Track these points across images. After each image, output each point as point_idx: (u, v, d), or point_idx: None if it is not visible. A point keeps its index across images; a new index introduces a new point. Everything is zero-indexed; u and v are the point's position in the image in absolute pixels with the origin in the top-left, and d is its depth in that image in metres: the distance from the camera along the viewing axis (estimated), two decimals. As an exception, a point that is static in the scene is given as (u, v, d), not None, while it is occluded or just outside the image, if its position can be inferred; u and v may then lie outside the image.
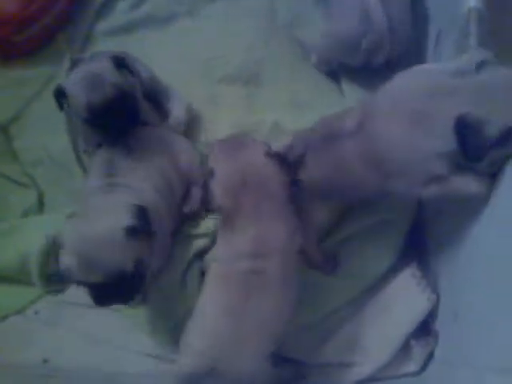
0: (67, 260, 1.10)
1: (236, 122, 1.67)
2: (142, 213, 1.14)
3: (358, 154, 1.23)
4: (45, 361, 1.43)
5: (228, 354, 1.14)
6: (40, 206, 1.66)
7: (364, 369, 1.35)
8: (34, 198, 1.66)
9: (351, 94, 1.71)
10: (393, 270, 1.45)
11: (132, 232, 1.11)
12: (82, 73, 1.34)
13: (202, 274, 1.38)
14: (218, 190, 1.20)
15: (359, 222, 1.46)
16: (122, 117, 1.36)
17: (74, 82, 1.34)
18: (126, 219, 1.12)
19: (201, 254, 1.44)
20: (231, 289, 1.16)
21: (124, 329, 1.45)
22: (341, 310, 1.43)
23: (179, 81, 1.69)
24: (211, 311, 1.19)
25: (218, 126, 1.68)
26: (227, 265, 1.20)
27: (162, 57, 1.78)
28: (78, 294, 1.45)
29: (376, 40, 1.54)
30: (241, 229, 1.18)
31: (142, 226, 1.13)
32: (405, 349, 1.36)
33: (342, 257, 1.46)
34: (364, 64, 1.63)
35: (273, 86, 1.77)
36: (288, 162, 1.25)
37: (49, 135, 1.72)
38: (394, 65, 1.54)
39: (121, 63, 1.37)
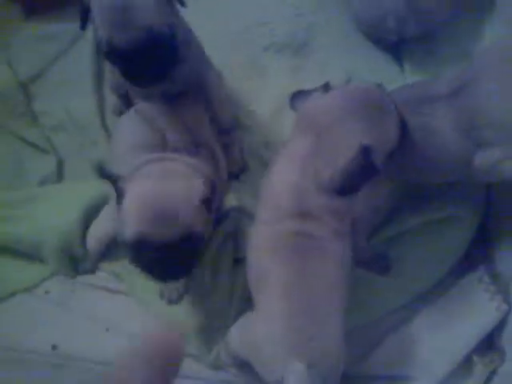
0: (131, 222, 1.02)
1: (282, 94, 1.48)
2: (213, 186, 1.09)
3: (450, 119, 1.11)
4: (53, 347, 1.29)
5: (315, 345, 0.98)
6: (59, 174, 1.51)
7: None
8: (52, 166, 1.51)
9: (412, 70, 1.55)
10: (455, 274, 1.29)
11: (205, 201, 1.06)
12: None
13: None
14: None
15: (419, 216, 1.30)
16: (152, 68, 1.10)
17: (100, 6, 1.05)
18: (201, 188, 1.06)
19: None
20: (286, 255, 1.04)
21: (139, 316, 1.31)
22: (391, 317, 1.27)
23: (220, 49, 1.52)
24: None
25: (263, 98, 1.53)
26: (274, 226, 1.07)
27: (201, 23, 1.61)
28: (94, 276, 1.38)
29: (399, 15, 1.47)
30: None
31: (211, 199, 1.08)
32: (465, 364, 1.19)
33: (395, 255, 1.30)
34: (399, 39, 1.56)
35: (324, 56, 1.61)
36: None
37: (73, 98, 1.57)
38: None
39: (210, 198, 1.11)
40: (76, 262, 1.37)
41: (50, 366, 1.27)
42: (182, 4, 1.14)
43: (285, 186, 1.05)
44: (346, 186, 1.00)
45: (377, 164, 0.99)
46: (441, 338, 1.20)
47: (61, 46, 1.67)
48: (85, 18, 1.08)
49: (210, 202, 1.07)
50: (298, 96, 1.14)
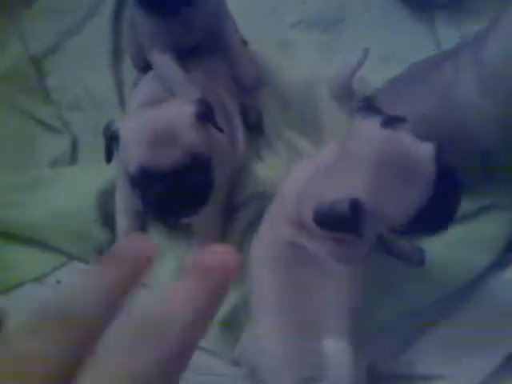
0: (133, 151, 0.99)
1: (311, 72, 1.41)
2: (207, 106, 1.06)
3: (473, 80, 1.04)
4: (58, 281, 1.26)
5: None
6: (73, 155, 1.42)
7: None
8: (65, 146, 1.42)
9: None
10: (499, 267, 1.19)
11: (200, 117, 1.03)
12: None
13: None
14: None
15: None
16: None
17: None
18: (193, 107, 1.04)
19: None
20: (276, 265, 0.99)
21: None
22: (428, 312, 1.18)
23: (246, 25, 1.43)
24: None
25: (291, 76, 1.41)
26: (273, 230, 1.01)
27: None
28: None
29: None
30: None
31: (207, 116, 1.05)
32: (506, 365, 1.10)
33: (430, 246, 1.20)
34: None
35: (357, 33, 1.51)
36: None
37: (89, 74, 1.48)
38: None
39: (206, 114, 1.05)
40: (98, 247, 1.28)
41: None
42: None
43: (293, 189, 0.97)
44: (325, 224, 0.86)
45: (359, 228, 0.82)
46: (478, 335, 1.12)
47: (75, 20, 1.57)
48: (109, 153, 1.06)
49: (208, 118, 1.05)
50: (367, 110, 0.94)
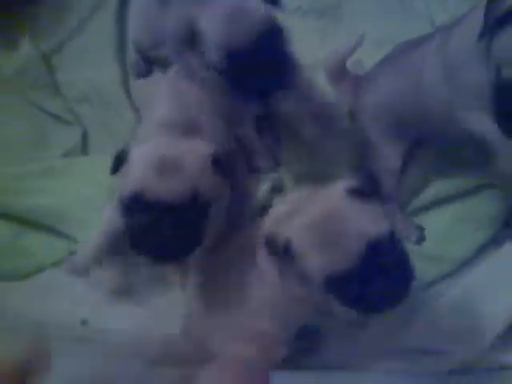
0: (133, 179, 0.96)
1: (307, 55, 1.39)
2: (226, 156, 1.03)
3: (436, 65, 1.09)
4: (83, 322, 1.26)
5: None
6: (84, 146, 1.48)
7: (455, 358, 1.12)
8: (77, 138, 1.48)
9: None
10: (491, 245, 1.23)
11: (217, 162, 1.00)
12: (221, 8, 1.06)
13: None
14: None
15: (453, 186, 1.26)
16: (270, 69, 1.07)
17: (211, 16, 1.07)
18: (213, 149, 1.01)
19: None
20: None
21: (167, 290, 1.28)
22: (429, 289, 1.22)
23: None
24: None
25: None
26: None
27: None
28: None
29: None
30: None
31: (224, 165, 1.01)
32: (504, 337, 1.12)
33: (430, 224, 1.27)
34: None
35: (353, 19, 1.55)
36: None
37: (96, 68, 1.54)
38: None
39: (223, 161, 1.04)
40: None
41: (79, 340, 1.23)
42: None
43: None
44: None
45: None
46: (477, 311, 1.15)
47: (82, 15, 1.62)
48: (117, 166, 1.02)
49: (223, 164, 1.00)
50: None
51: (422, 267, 1.17)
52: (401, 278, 0.87)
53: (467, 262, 1.23)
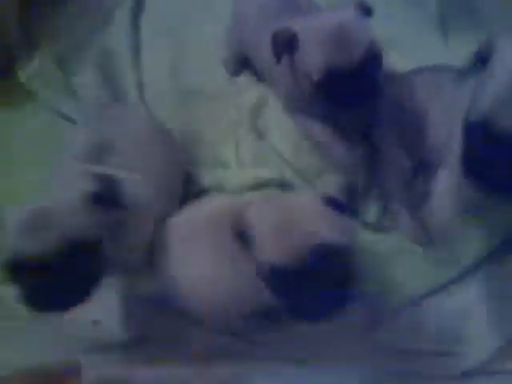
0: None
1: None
2: (110, 182, 0.97)
3: None
4: (95, 322, 1.25)
5: None
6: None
7: (467, 360, 1.12)
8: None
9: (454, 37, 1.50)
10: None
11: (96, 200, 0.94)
12: (323, 23, 1.07)
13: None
14: None
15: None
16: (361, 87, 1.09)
17: (312, 30, 1.09)
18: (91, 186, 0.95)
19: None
20: None
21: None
22: (440, 292, 1.20)
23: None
24: None
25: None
26: None
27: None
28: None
29: None
30: None
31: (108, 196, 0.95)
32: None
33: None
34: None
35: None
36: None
37: (111, 71, 1.57)
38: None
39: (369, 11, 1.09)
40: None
41: (88, 340, 1.23)
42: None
43: None
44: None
45: None
46: (492, 312, 1.15)
47: (97, 17, 1.66)
48: None
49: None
50: None
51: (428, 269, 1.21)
52: (333, 294, 0.87)
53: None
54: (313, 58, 1.07)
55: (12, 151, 1.50)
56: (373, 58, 1.07)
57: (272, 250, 0.86)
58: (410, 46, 1.48)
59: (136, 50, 1.59)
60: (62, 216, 0.90)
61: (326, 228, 0.86)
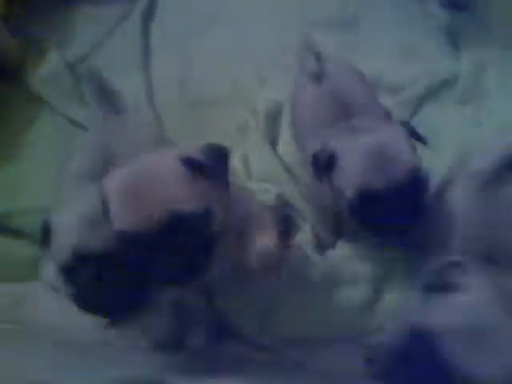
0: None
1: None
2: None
3: None
4: (106, 327, 1.22)
5: None
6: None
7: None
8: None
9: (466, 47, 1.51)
10: None
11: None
12: (363, 144, 1.00)
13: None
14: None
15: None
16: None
17: (351, 150, 1.01)
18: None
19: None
20: None
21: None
22: None
23: (269, 26, 1.49)
24: None
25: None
26: None
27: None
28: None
29: None
30: None
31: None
32: None
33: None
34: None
35: (376, 32, 1.58)
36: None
37: (121, 78, 1.53)
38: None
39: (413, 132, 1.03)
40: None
41: (99, 344, 1.21)
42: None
43: None
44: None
45: None
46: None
47: (108, 26, 1.67)
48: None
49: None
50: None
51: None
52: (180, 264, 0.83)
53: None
54: (349, 177, 1.02)
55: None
56: (414, 182, 1.01)
57: (123, 216, 0.81)
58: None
59: (145, 59, 1.61)
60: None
61: (182, 195, 0.81)
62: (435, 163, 1.37)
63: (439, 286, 0.90)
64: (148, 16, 1.65)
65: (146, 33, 1.63)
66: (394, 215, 1.00)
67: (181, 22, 1.66)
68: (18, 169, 1.49)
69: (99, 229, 0.89)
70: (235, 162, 1.39)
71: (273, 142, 1.43)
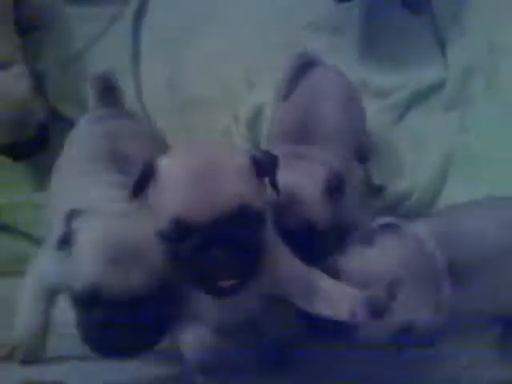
0: None
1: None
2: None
3: None
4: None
5: None
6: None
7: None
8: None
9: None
10: None
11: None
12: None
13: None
14: None
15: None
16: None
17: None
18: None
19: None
20: None
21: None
22: None
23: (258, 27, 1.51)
24: None
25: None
26: None
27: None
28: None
29: None
30: None
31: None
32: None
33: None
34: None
35: (363, 36, 1.57)
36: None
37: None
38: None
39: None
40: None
41: None
42: None
43: None
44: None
45: None
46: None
47: (99, 27, 1.66)
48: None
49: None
50: None
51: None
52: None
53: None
54: None
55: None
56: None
57: (183, 202, 0.77)
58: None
59: (135, 60, 1.62)
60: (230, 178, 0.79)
61: (251, 191, 0.80)
62: (421, 167, 1.41)
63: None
64: (139, 17, 1.65)
65: (136, 34, 1.63)
66: None
67: (171, 23, 1.65)
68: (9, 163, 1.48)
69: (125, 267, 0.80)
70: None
71: (255, 146, 1.44)
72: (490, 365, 1.05)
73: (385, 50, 1.52)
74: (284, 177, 0.88)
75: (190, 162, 0.80)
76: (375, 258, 0.92)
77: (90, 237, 0.82)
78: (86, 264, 0.80)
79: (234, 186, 0.78)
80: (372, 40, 1.56)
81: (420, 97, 1.50)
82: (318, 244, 0.97)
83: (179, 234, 0.77)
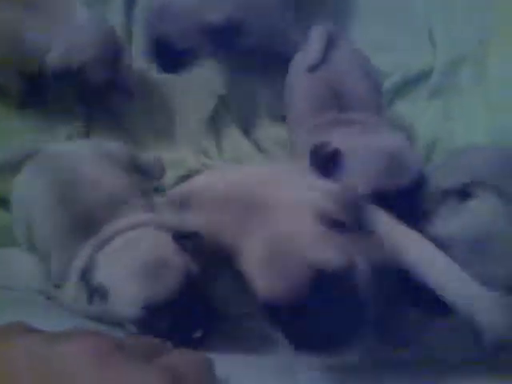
0: None
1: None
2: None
3: None
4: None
5: None
6: (86, 129, 1.50)
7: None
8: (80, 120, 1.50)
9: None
10: None
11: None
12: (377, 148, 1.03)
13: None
14: None
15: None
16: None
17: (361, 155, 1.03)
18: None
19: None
20: None
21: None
22: None
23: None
24: None
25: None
26: None
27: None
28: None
29: None
30: None
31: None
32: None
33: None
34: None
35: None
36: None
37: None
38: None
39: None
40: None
41: None
42: None
43: None
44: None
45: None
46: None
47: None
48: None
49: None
50: None
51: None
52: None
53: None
54: (362, 177, 1.01)
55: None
56: (417, 186, 1.03)
57: (262, 284, 0.75)
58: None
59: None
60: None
61: (323, 254, 0.74)
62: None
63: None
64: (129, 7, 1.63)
65: (128, 15, 1.62)
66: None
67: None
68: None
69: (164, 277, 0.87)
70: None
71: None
72: None
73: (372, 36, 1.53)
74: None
75: (264, 244, 0.79)
76: None
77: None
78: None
79: (306, 255, 0.74)
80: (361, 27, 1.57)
81: (408, 84, 1.51)
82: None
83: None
